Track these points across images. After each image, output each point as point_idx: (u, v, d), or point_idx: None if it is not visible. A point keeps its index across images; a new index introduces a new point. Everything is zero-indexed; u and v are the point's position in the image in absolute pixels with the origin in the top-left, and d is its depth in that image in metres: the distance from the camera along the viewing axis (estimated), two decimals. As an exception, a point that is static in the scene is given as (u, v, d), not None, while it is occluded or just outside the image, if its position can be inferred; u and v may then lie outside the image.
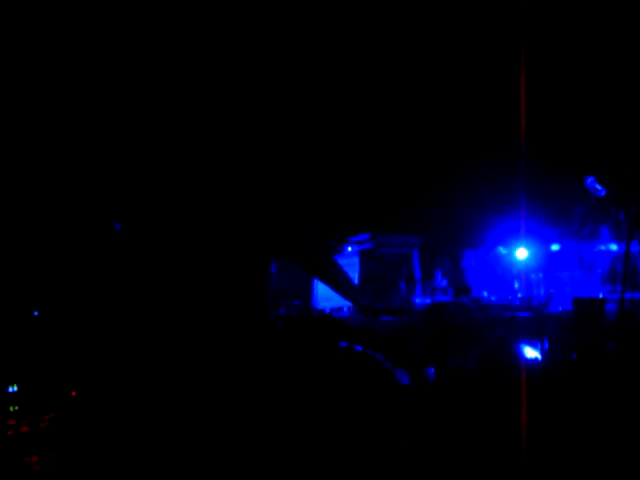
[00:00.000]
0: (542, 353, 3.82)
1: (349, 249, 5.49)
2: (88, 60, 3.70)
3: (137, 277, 2.80)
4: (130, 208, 2.94)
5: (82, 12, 3.68)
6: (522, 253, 4.82)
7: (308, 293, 5.55)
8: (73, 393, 3.41)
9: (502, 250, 5.09)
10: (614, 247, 4.75)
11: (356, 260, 5.43)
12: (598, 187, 4.90)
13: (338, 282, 3.16)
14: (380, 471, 2.81)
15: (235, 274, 2.71)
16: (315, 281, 5.48)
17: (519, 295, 4.65)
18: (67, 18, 3.75)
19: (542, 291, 4.51)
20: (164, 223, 2.74)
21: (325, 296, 5.31)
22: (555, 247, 4.84)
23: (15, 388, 3.55)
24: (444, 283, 5.08)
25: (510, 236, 4.97)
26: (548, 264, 4.75)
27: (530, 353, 3.79)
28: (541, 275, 4.58)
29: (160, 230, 2.75)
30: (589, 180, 4.92)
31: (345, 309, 4.96)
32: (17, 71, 3.87)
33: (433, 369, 3.58)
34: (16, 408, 3.45)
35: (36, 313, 4.10)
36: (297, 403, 2.75)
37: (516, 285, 4.78)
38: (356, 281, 5.18)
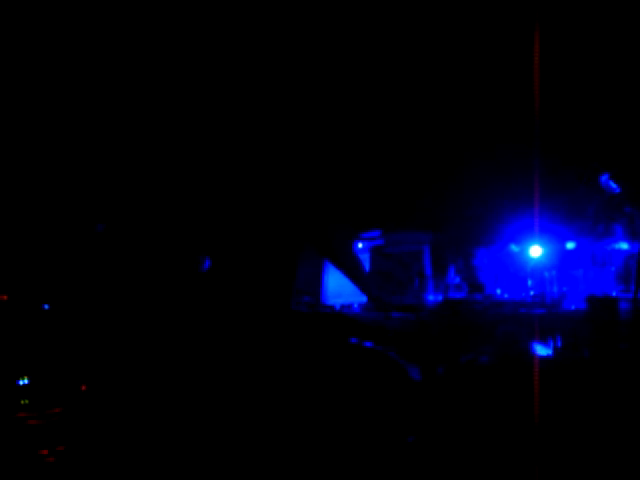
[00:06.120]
0: (555, 350, 3.80)
1: (360, 245, 5.48)
2: (90, 60, 3.70)
3: (154, 270, 2.80)
4: (143, 206, 2.95)
5: (84, 13, 3.69)
6: (536, 251, 4.80)
7: (318, 289, 5.53)
8: (83, 387, 3.40)
9: (515, 248, 5.07)
10: (627, 245, 4.72)
11: (367, 256, 5.42)
12: (612, 185, 4.87)
13: (357, 274, 3.15)
14: (389, 466, 2.79)
15: (262, 268, 2.70)
16: (325, 277, 5.47)
17: (532, 292, 4.63)
18: (68, 18, 3.76)
19: (555, 289, 4.50)
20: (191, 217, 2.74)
21: (334, 292, 5.29)
22: (570, 245, 4.82)
23: (26, 381, 3.55)
24: (457, 280, 5.07)
25: (523, 233, 4.95)
26: (562, 262, 4.73)
27: (543, 350, 3.77)
28: (554, 273, 4.56)
29: (187, 223, 2.76)
30: (604, 178, 4.89)
31: (355, 305, 4.94)
32: (18, 70, 3.88)
33: (446, 365, 3.56)
34: (27, 401, 3.45)
35: (46, 307, 4.10)
36: (308, 398, 2.73)
37: (529, 282, 4.76)
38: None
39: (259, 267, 2.73)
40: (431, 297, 4.94)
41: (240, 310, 2.70)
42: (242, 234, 2.71)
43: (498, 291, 4.89)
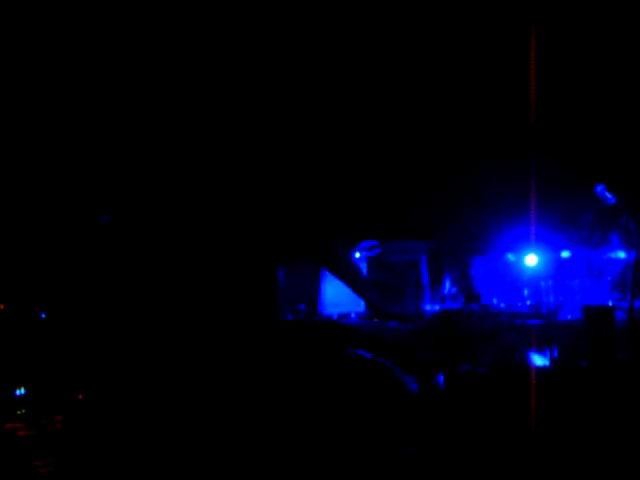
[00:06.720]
0: (552, 360, 3.81)
1: (357, 255, 5.47)
2: (89, 59, 3.71)
3: (145, 280, 2.80)
4: (137, 206, 2.94)
5: (84, 12, 3.69)
6: (532, 260, 4.81)
7: (315, 299, 5.53)
8: (80, 396, 3.40)
9: (511, 257, 5.08)
10: (623, 255, 4.73)
11: (364, 265, 5.42)
12: (608, 195, 4.89)
13: (355, 280, 3.15)
14: (389, 477, 2.79)
15: (243, 276, 2.70)
16: (322, 287, 5.47)
17: (528, 302, 4.64)
18: (68, 18, 3.76)
19: (552, 298, 4.50)
20: (176, 224, 2.74)
21: (332, 302, 5.29)
22: (565, 254, 4.84)
23: (22, 391, 3.54)
24: (454, 290, 5.07)
25: (519, 243, 4.97)
26: (558, 271, 4.74)
27: (540, 360, 3.77)
28: (551, 282, 4.57)
29: (172, 231, 2.75)
30: (599, 188, 4.91)
31: (352, 315, 4.94)
32: (18, 69, 3.88)
33: (443, 376, 3.57)
34: (23, 411, 3.44)
35: (43, 316, 4.09)
36: (305, 409, 2.73)
37: (526, 292, 4.77)
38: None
39: (239, 274, 2.72)
40: (428, 307, 4.94)
41: (226, 318, 2.69)
42: (225, 239, 2.70)
43: (494, 301, 4.89)
